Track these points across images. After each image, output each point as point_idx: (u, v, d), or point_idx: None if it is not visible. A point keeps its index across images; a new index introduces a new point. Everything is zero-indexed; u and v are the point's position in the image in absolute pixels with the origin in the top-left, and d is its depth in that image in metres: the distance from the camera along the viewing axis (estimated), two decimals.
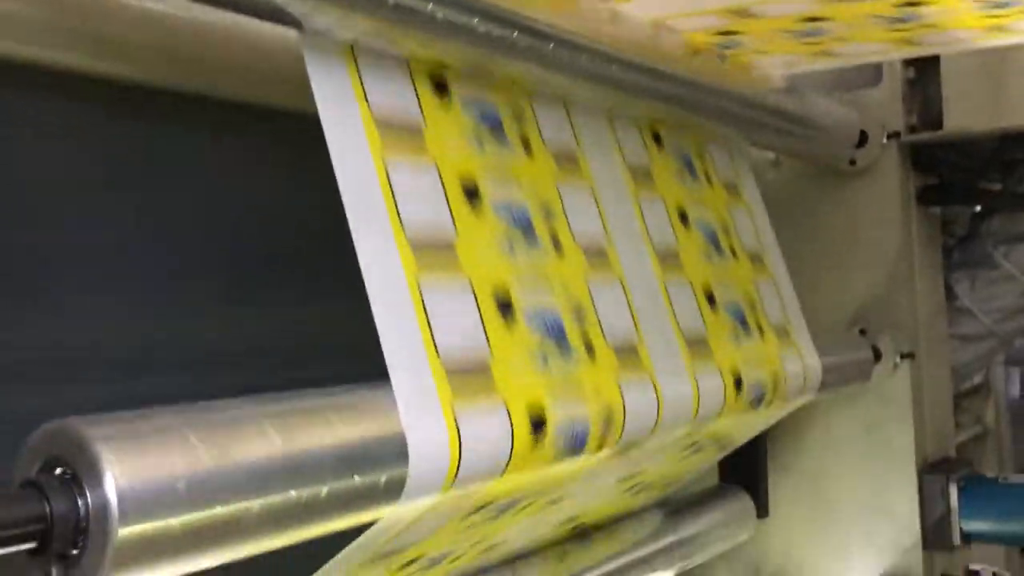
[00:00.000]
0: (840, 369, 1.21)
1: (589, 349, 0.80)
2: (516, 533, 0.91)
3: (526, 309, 0.75)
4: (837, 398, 1.38)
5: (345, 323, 0.78)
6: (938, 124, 1.34)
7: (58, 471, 0.49)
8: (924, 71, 1.36)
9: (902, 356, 1.34)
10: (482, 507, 0.75)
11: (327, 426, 0.60)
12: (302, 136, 0.71)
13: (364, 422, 0.62)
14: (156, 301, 0.85)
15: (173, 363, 0.85)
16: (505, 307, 0.73)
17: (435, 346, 0.66)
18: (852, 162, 1.36)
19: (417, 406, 0.64)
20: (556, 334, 0.77)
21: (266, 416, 0.57)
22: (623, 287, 0.87)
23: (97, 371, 0.80)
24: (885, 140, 1.36)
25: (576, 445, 0.76)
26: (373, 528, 0.65)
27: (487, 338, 0.70)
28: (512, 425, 0.69)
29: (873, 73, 1.38)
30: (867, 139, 1.35)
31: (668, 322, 0.92)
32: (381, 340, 0.63)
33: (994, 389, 3.47)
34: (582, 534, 1.13)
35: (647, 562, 1.17)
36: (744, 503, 1.36)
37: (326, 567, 0.67)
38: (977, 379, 3.15)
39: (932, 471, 1.34)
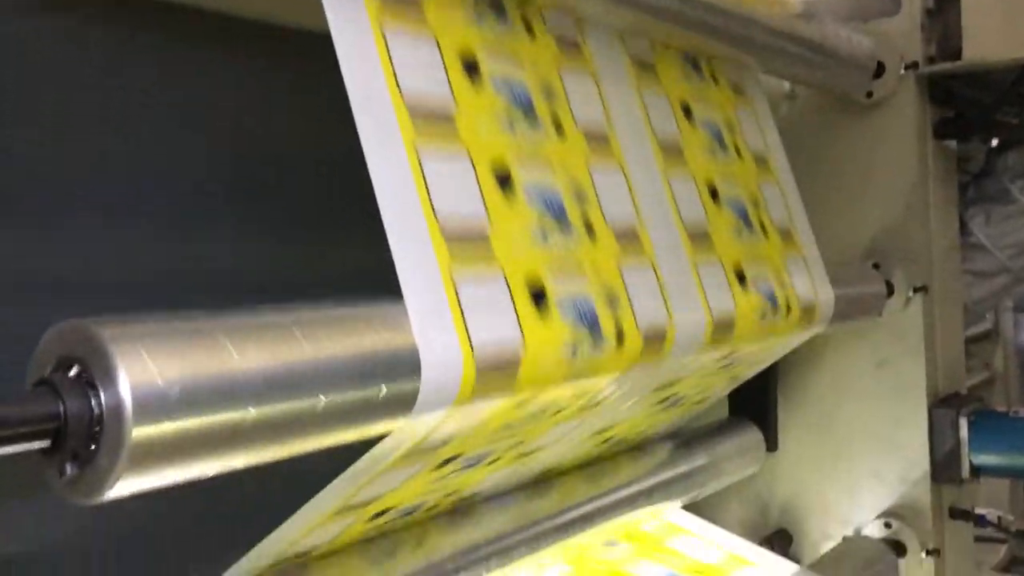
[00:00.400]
0: (853, 301, 1.20)
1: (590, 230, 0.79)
2: (556, 438, 0.91)
3: (526, 185, 0.74)
4: (848, 333, 1.38)
5: (359, 255, 0.77)
6: (957, 54, 1.32)
7: (72, 371, 0.49)
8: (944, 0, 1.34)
9: (915, 290, 1.33)
10: (520, 405, 0.75)
11: (342, 335, 0.60)
12: (316, 57, 0.70)
13: (378, 332, 0.62)
14: (167, 227, 0.85)
15: (179, 290, 0.85)
16: (505, 182, 0.72)
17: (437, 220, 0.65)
18: (868, 94, 1.34)
19: (430, 319, 0.63)
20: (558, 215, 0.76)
21: (281, 323, 0.57)
22: (625, 174, 0.86)
23: (105, 297, 0.80)
24: (903, 71, 1.34)
25: (587, 321, 0.75)
26: (383, 442, 0.65)
27: (486, 208, 0.70)
28: (513, 297, 0.69)
29: (892, 2, 1.36)
30: (884, 70, 1.33)
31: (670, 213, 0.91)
32: (393, 254, 0.63)
33: (1003, 335, 3.48)
34: (591, 463, 1.13)
35: (656, 491, 1.18)
36: (754, 436, 1.37)
37: (305, 507, 0.67)
38: (986, 325, 3.16)
39: (942, 405, 1.34)
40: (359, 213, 0.67)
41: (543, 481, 1.05)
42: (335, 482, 0.66)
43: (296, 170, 0.96)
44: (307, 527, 0.70)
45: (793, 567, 1.13)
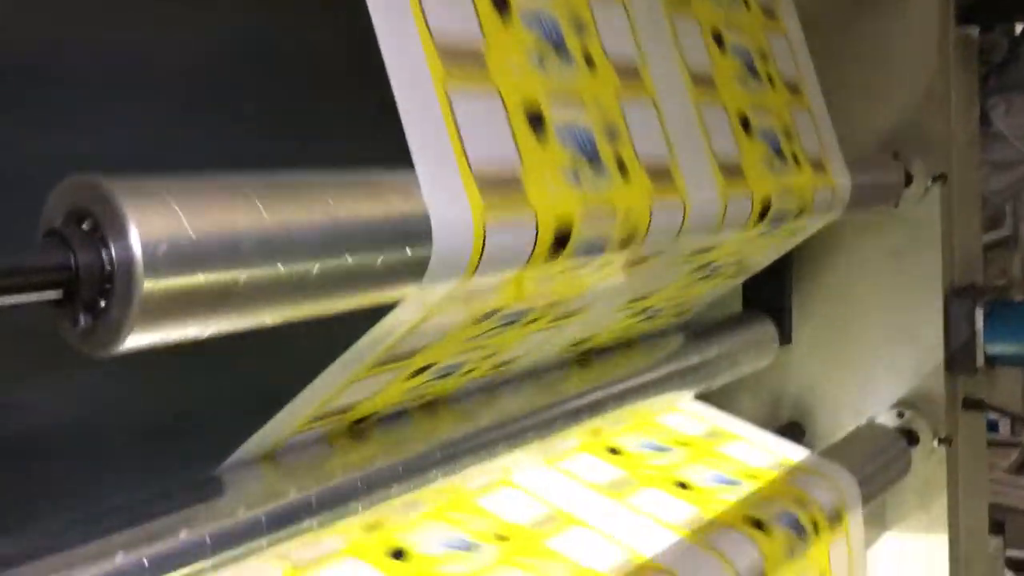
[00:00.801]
0: (870, 189, 1.19)
1: (621, 168, 0.78)
2: (529, 349, 0.92)
3: (557, 124, 0.73)
4: (864, 225, 1.36)
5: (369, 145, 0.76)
6: None
7: (83, 224, 0.49)
8: None
9: (933, 179, 1.31)
10: (494, 312, 0.75)
11: (355, 200, 0.60)
12: None
13: (391, 200, 0.62)
14: (170, 111, 0.84)
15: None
16: (536, 121, 0.71)
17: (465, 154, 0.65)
18: None
19: (442, 194, 0.63)
20: (588, 151, 0.75)
21: (293, 185, 0.57)
22: (656, 107, 0.85)
23: None
24: None
25: (594, 254, 0.76)
26: (391, 313, 0.65)
27: (518, 151, 0.69)
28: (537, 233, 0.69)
29: None
30: None
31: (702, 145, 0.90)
32: (409, 147, 0.62)
33: (1020, 241, 3.46)
34: (604, 351, 1.14)
35: (668, 381, 1.18)
36: (767, 329, 1.37)
37: (336, 364, 0.67)
38: (1004, 231, 3.13)
39: (959, 296, 1.33)
40: (369, 99, 0.66)
41: (555, 368, 1.06)
42: (386, 317, 0.66)
43: (306, 56, 0.95)
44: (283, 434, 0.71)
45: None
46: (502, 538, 0.84)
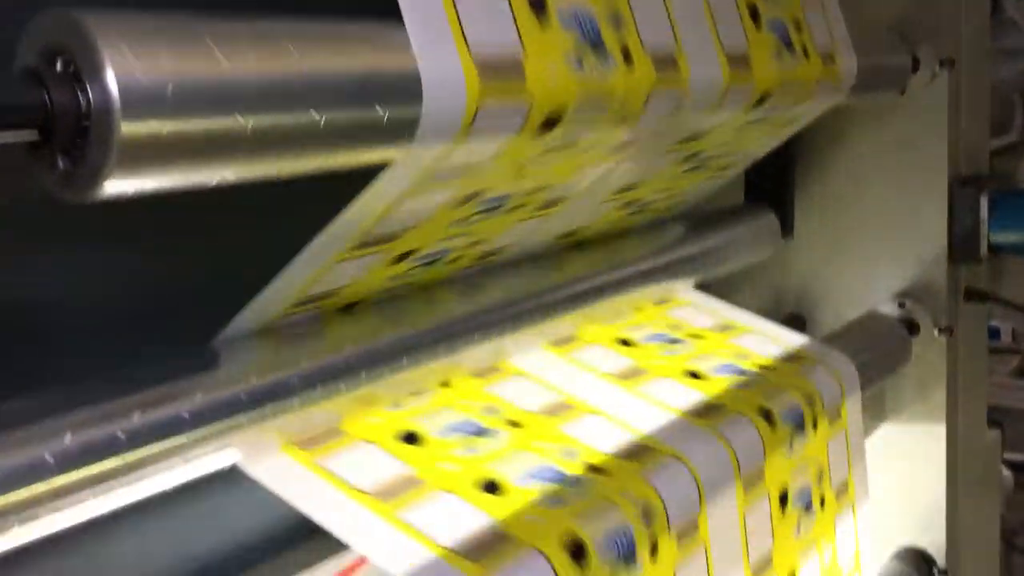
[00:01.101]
0: (876, 71, 1.16)
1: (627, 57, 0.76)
2: (516, 238, 0.91)
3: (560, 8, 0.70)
4: (869, 114, 1.34)
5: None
6: None
7: (58, 63, 0.47)
8: None
9: (941, 64, 1.28)
10: (477, 195, 0.74)
11: (345, 53, 0.58)
12: None
13: (380, 54, 0.60)
14: None
15: None
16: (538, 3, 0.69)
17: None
18: None
19: (432, 44, 0.61)
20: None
21: (276, 33, 0.55)
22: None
23: None
24: None
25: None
26: (381, 178, 0.63)
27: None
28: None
29: None
30: None
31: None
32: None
33: None
34: (605, 239, 1.13)
35: (668, 269, 1.17)
36: (769, 221, 1.35)
37: (322, 235, 0.66)
38: (1011, 137, 3.10)
39: (964, 184, 1.31)
40: None
41: (552, 255, 1.05)
42: (309, 246, 0.65)
43: None
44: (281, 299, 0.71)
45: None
46: (597, 470, 0.78)
